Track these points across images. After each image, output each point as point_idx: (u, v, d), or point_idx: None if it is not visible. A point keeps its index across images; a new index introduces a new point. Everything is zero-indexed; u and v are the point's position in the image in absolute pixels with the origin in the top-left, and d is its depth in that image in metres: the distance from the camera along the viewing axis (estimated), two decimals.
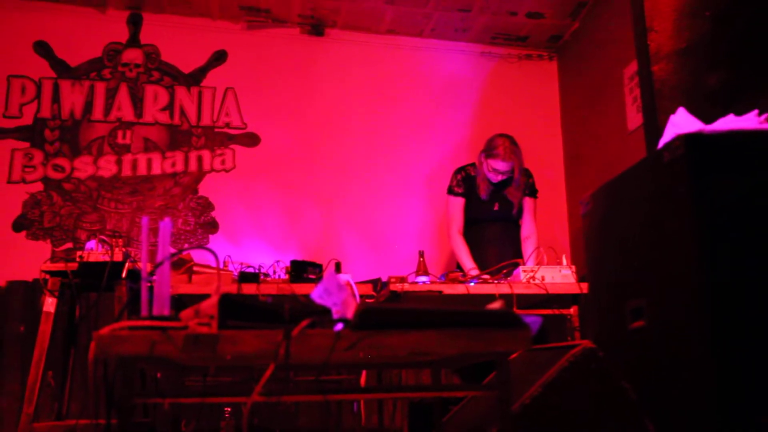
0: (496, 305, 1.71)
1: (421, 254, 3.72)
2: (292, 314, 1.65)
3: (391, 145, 5.44)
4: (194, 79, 5.33)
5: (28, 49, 5.13)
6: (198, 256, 3.71)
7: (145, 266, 1.83)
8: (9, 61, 5.09)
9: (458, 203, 4.36)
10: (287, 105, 5.37)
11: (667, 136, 2.10)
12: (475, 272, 3.98)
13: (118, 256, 3.40)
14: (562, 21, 5.45)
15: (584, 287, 3.39)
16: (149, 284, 1.83)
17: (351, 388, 3.10)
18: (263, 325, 1.65)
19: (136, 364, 1.78)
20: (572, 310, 3.54)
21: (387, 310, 1.69)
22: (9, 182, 4.95)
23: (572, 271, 3.52)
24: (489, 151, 4.26)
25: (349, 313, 1.69)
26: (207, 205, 5.14)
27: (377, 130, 5.45)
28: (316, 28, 5.52)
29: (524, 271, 3.50)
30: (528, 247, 4.29)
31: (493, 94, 5.67)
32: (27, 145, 5.02)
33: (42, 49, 5.15)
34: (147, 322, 1.68)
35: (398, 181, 5.37)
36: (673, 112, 2.20)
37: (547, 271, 3.50)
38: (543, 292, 3.42)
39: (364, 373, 3.40)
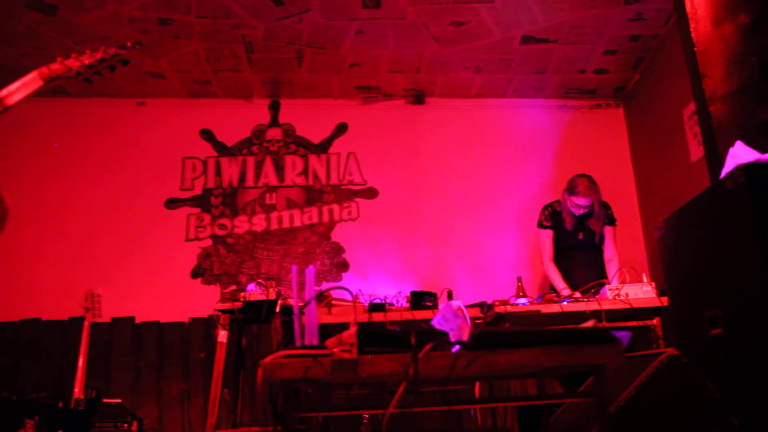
0: (589, 324, 1.66)
1: (519, 279, 3.65)
2: (417, 339, 1.64)
3: (487, 188, 5.39)
4: (323, 147, 5.46)
5: (196, 135, 5.39)
6: (335, 290, 3.75)
7: (296, 304, 1.87)
8: (183, 146, 5.35)
9: (548, 235, 4.27)
10: (398, 162, 5.42)
11: (728, 166, 2.01)
12: (567, 292, 3.87)
13: (273, 295, 3.48)
14: (625, 74, 5.30)
15: (664, 300, 3.24)
16: (299, 318, 1.87)
17: (469, 399, 3.04)
18: (394, 349, 1.65)
19: (293, 384, 1.81)
20: (655, 321, 3.38)
21: (497, 333, 1.66)
22: (186, 240, 5.17)
23: (653, 287, 3.37)
24: (571, 189, 4.16)
25: (465, 336, 1.67)
26: (339, 249, 5.21)
27: (474, 176, 5.41)
28: (418, 98, 5.56)
29: (610, 289, 3.38)
30: (611, 268, 4.13)
31: (570, 139, 5.55)
32: (198, 210, 5.24)
33: (206, 134, 5.40)
34: (301, 351, 1.71)
35: (494, 218, 5.30)
36: (731, 145, 2.11)
37: (631, 288, 3.36)
38: (627, 306, 3.29)
39: (477, 383, 3.34)
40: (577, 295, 3.52)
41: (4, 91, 1.74)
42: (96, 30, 4.37)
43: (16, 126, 4.69)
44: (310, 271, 1.77)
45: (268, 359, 1.67)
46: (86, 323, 4.00)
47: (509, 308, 3.31)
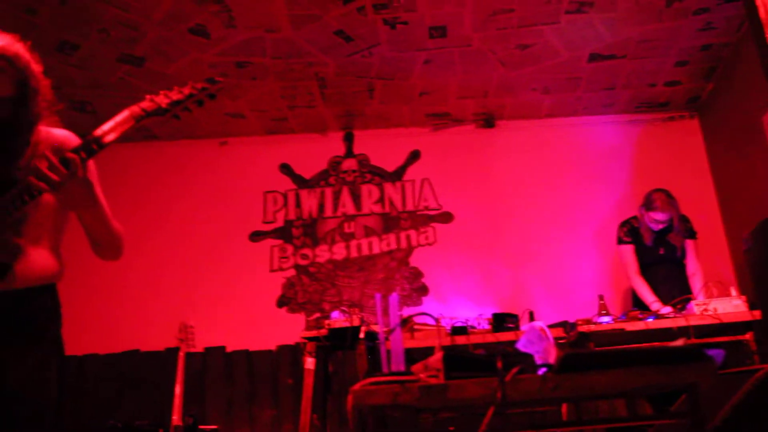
0: (680, 342, 1.60)
1: (601, 297, 3.55)
2: (503, 363, 1.62)
3: (562, 207, 5.29)
4: (397, 175, 5.49)
5: (276, 170, 5.51)
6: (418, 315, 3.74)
7: (381, 331, 1.88)
8: (264, 181, 5.47)
9: (629, 249, 4.15)
10: (472, 185, 5.39)
11: None
12: (657, 305, 3.73)
13: (356, 322, 3.51)
14: (697, 84, 5.13)
15: (756, 314, 3.08)
16: (385, 344, 1.88)
17: (557, 422, 2.96)
18: (480, 373, 1.63)
19: (382, 410, 1.81)
20: (748, 336, 3.21)
21: (585, 355, 1.63)
22: (271, 271, 5.27)
23: (743, 301, 3.21)
24: (648, 205, 4.04)
25: (551, 359, 1.64)
26: (417, 274, 5.21)
27: (548, 196, 5.32)
28: (488, 121, 5.54)
29: (697, 304, 3.24)
30: (695, 282, 3.97)
31: (644, 154, 5.39)
32: (281, 241, 5.35)
33: (285, 169, 5.52)
34: (388, 377, 1.72)
35: (571, 236, 5.19)
36: None
37: (719, 302, 3.22)
38: (716, 321, 3.14)
39: (565, 405, 3.25)
40: (665, 310, 3.39)
41: (100, 130, 1.81)
42: (180, 77, 4.56)
43: (111, 169, 4.92)
44: (394, 298, 1.78)
45: (357, 386, 1.69)
46: (181, 353, 4.13)
47: (593, 327, 3.22)
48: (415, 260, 5.24)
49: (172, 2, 3.90)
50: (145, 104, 1.84)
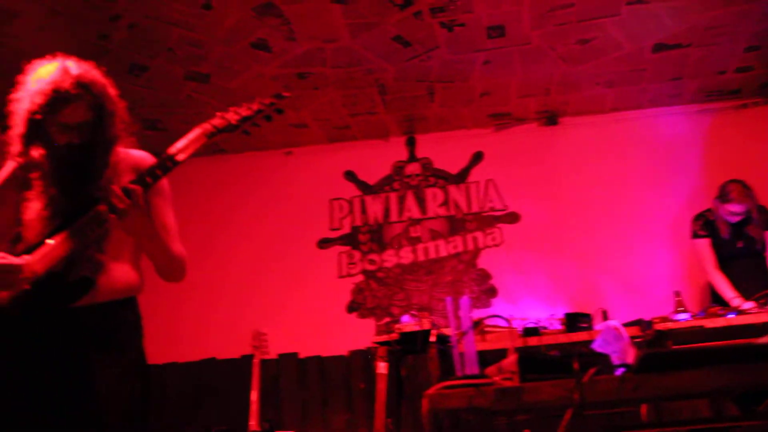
0: (765, 339, 1.53)
1: (677, 294, 3.44)
2: (580, 363, 1.59)
3: (632, 202, 5.15)
4: (461, 177, 5.46)
5: (340, 177, 5.57)
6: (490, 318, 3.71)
7: (453, 335, 1.87)
8: (330, 188, 5.54)
9: (705, 243, 4.00)
10: (537, 184, 5.31)
11: None
12: (737, 301, 3.58)
13: (426, 326, 3.50)
14: None
15: None
16: (456, 347, 1.87)
17: (636, 423, 2.89)
18: (556, 375, 1.60)
19: (457, 414, 1.80)
20: None
21: (665, 354, 1.58)
22: (340, 277, 5.33)
23: None
24: (723, 196, 3.89)
25: (629, 359, 1.60)
26: (485, 276, 5.16)
27: (617, 191, 5.19)
28: (551, 119, 5.45)
29: None
30: None
31: (716, 144, 5.19)
32: (348, 248, 5.39)
33: (349, 176, 5.57)
34: (462, 381, 1.71)
35: (643, 232, 5.04)
36: None
37: None
38: None
39: (644, 406, 3.16)
40: (747, 306, 3.25)
41: (174, 148, 1.88)
42: (244, 91, 4.67)
43: (182, 183, 5.05)
44: (465, 300, 1.77)
45: (432, 390, 1.68)
46: (256, 360, 4.22)
47: (670, 325, 3.11)
48: (482, 262, 5.20)
49: (234, 19, 3.99)
50: (216, 121, 1.92)
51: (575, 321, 3.43)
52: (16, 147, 1.90)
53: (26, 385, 1.81)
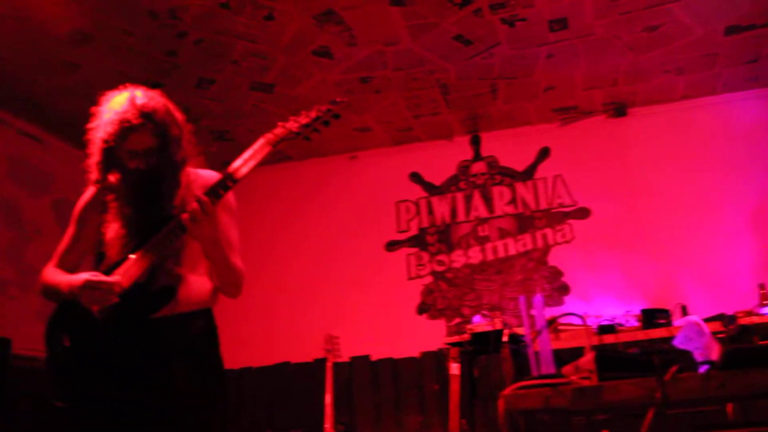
0: None
1: (762, 286, 3.29)
2: (660, 361, 1.54)
3: (708, 192, 4.94)
4: (528, 174, 5.38)
5: (406, 179, 5.58)
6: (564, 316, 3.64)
7: (528, 334, 1.85)
8: (396, 191, 5.55)
9: None
10: (607, 178, 5.16)
11: None
12: None
13: (498, 325, 3.47)
14: None
15: None
16: (531, 346, 1.84)
17: (722, 422, 2.78)
18: (635, 373, 1.56)
19: (533, 414, 1.78)
20: None
21: (752, 349, 1.51)
22: (409, 279, 5.33)
23: None
24: None
25: (713, 355, 1.54)
26: (557, 273, 5.06)
27: (692, 181, 4.99)
28: (619, 110, 5.30)
29: None
30: None
31: None
32: (416, 249, 5.39)
33: (415, 177, 5.57)
34: (538, 381, 1.68)
35: (722, 222, 4.83)
36: None
37: None
38: None
39: (730, 404, 3.03)
40: None
41: (236, 164, 1.95)
42: (308, 98, 4.74)
43: (251, 191, 5.16)
44: (538, 299, 1.74)
45: (508, 390, 1.66)
46: (329, 364, 4.27)
47: (755, 319, 2.98)
48: (553, 259, 5.11)
49: (296, 29, 4.06)
50: (278, 131, 2.00)
51: (653, 317, 3.33)
52: (94, 174, 2.04)
53: (112, 391, 1.92)
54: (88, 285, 1.87)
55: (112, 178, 2.02)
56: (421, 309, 5.22)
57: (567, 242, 5.12)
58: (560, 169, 5.29)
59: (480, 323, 3.54)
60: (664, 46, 4.50)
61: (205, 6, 3.79)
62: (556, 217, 5.19)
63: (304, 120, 2.03)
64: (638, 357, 1.59)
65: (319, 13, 3.93)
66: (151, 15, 3.83)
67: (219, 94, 4.71)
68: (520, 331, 3.51)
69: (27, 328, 3.90)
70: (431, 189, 5.50)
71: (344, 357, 4.59)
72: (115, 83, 2.11)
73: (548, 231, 5.17)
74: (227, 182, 1.95)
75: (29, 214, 4.61)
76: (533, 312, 1.76)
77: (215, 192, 1.92)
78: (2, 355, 3.36)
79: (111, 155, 1.98)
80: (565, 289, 5.00)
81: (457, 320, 5.06)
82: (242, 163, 1.96)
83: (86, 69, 4.24)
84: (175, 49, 4.15)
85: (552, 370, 1.72)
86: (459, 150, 5.54)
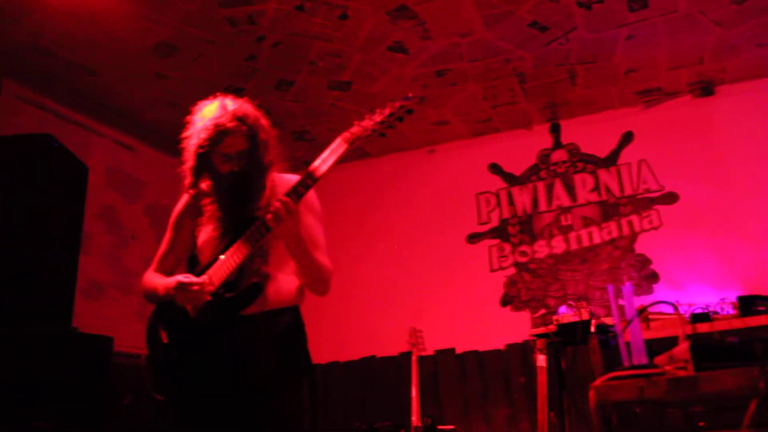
0: None
1: None
2: (763, 350, 1.46)
3: None
4: (611, 160, 5.22)
5: (485, 171, 5.52)
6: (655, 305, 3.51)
7: (617, 323, 1.79)
8: (475, 182, 5.51)
9: None
10: (695, 160, 4.93)
11: None
12: None
13: (585, 316, 3.38)
14: None
15: None
16: (620, 336, 1.78)
17: None
18: (734, 363, 1.49)
19: (626, 406, 1.72)
20: None
21: None
22: (491, 271, 5.28)
23: None
24: None
25: None
26: (645, 261, 4.89)
27: None
28: (706, 89, 5.06)
29: None
30: None
31: None
32: (498, 241, 5.33)
33: (494, 168, 5.51)
34: (631, 372, 1.63)
35: None
36: None
37: None
38: None
39: None
40: None
41: (317, 161, 1.98)
42: (385, 94, 4.76)
43: (333, 189, 5.23)
44: (628, 287, 1.69)
45: (599, 382, 1.62)
46: (414, 357, 4.29)
47: None
48: (640, 247, 4.93)
49: (370, 26, 4.08)
50: (354, 129, 2.04)
51: (751, 304, 3.16)
52: (188, 179, 2.14)
53: (206, 384, 2.00)
54: (181, 286, 1.97)
55: (204, 184, 2.13)
56: (505, 301, 5.16)
57: (654, 229, 4.93)
58: (645, 153, 5.11)
59: (566, 314, 3.46)
60: (755, 18, 4.26)
61: (281, 10, 3.87)
62: (642, 203, 5.01)
63: (378, 117, 2.06)
64: (737, 346, 1.52)
65: (393, 9, 3.93)
66: (230, 22, 3.94)
67: (298, 95, 4.80)
68: (607, 321, 3.41)
69: (128, 327, 4.11)
70: (511, 179, 5.43)
71: (429, 350, 4.59)
72: (199, 91, 2.20)
73: (634, 218, 5.00)
74: (307, 181, 1.99)
75: (125, 219, 4.84)
76: (621, 301, 1.71)
77: (296, 191, 1.97)
78: (105, 352, 3.55)
79: (205, 160, 2.07)
80: (654, 277, 4.82)
81: (542, 311, 4.97)
82: (321, 162, 2.00)
83: (173, 79, 4.40)
84: (254, 53, 4.26)
85: (644, 360, 1.66)
86: (538, 139, 5.44)
